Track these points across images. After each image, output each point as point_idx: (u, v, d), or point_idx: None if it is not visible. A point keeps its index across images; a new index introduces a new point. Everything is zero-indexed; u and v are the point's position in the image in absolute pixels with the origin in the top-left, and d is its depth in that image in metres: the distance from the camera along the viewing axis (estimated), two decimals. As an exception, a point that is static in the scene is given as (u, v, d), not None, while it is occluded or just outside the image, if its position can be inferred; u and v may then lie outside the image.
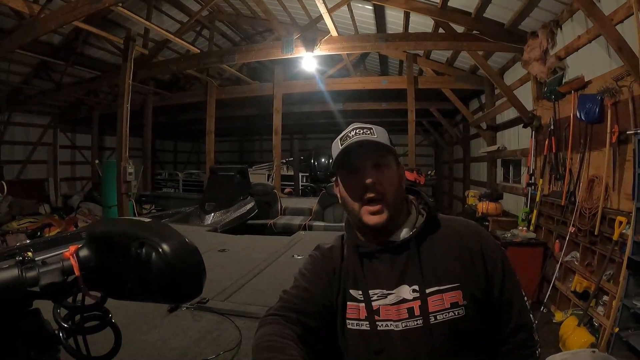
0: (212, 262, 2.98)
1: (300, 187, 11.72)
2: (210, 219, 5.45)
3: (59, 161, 13.65)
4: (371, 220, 1.07)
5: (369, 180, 1.06)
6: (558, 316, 4.51)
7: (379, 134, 1.11)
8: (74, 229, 7.96)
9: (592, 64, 4.58)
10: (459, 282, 1.04)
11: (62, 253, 0.76)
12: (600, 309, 3.93)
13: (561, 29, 5.26)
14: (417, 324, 1.01)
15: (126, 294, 0.76)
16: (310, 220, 6.18)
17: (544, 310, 4.80)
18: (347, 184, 1.11)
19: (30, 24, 5.96)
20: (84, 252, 0.76)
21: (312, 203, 6.78)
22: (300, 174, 11.82)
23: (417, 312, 1.02)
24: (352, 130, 1.12)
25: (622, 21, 3.88)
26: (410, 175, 7.93)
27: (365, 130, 1.11)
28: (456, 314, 1.01)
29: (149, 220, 0.80)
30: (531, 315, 1.11)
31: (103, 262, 0.75)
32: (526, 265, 5.13)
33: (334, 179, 1.19)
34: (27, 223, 8.70)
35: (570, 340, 3.74)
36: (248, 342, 1.48)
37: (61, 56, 9.66)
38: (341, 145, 1.10)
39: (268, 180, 11.10)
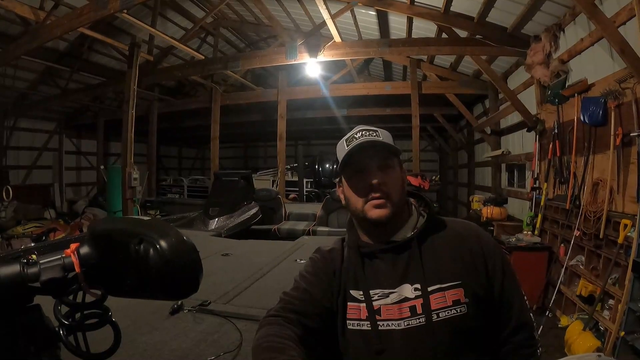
0: (215, 266, 2.98)
1: (305, 193, 11.74)
2: (214, 224, 5.46)
3: (64, 167, 13.75)
4: (375, 213, 1.08)
5: (374, 181, 1.07)
6: (563, 321, 4.48)
7: (384, 136, 1.13)
8: (79, 233, 8.00)
9: (595, 66, 4.58)
10: (460, 280, 1.04)
11: (63, 250, 0.77)
12: (605, 313, 3.90)
13: (564, 32, 5.26)
14: (420, 322, 1.01)
15: (126, 290, 0.76)
16: (315, 225, 6.18)
17: (549, 315, 4.76)
18: (352, 183, 1.12)
19: (36, 30, 6.04)
20: (84, 249, 0.76)
21: (316, 208, 6.77)
22: (304, 180, 11.84)
23: (419, 310, 1.02)
24: (358, 132, 1.13)
25: (624, 23, 3.88)
26: (414, 181, 7.94)
27: (371, 132, 1.13)
28: (458, 311, 1.01)
29: (149, 218, 0.81)
30: (531, 315, 1.11)
31: (103, 259, 0.76)
32: (531, 270, 5.10)
33: (337, 179, 1.20)
34: (32, 228, 8.73)
35: (575, 344, 3.71)
36: (249, 344, 1.48)
37: (67, 62, 9.76)
38: (347, 146, 1.12)
39: (272, 186, 11.13)
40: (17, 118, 11.98)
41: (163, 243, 0.70)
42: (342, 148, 1.13)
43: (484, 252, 1.10)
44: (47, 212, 11.30)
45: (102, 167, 11.61)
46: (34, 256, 0.77)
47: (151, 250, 0.70)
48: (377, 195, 1.07)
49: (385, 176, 1.08)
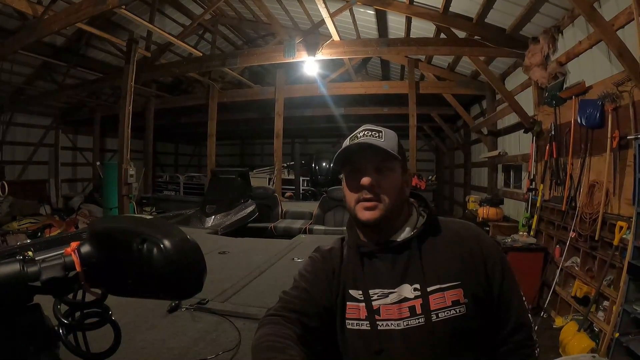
0: (213, 264, 2.97)
1: (301, 191, 11.73)
2: (211, 221, 5.44)
3: (60, 162, 13.66)
4: (364, 215, 1.08)
5: (364, 180, 1.07)
6: (558, 321, 4.50)
7: (387, 138, 1.12)
8: (75, 230, 7.97)
9: (593, 69, 4.59)
10: (459, 280, 1.04)
11: (63, 249, 0.76)
12: (600, 314, 3.92)
13: (562, 34, 5.28)
14: (419, 322, 1.01)
15: (127, 290, 0.76)
16: (311, 224, 6.17)
17: (544, 316, 4.79)
18: (348, 182, 1.13)
19: (33, 25, 5.99)
20: (85, 248, 0.76)
21: (312, 207, 6.77)
22: (301, 178, 11.83)
23: (418, 310, 1.02)
24: (362, 131, 1.13)
25: (623, 26, 3.89)
26: (411, 180, 7.93)
27: (374, 132, 1.12)
28: (457, 311, 1.01)
29: (151, 217, 0.81)
30: (529, 316, 1.12)
31: (104, 259, 0.75)
32: (526, 271, 5.11)
33: (341, 176, 1.19)
34: (28, 224, 8.69)
35: (570, 345, 3.73)
36: (247, 343, 1.48)
37: (64, 58, 9.69)
38: (349, 144, 1.12)
39: (269, 183, 11.11)
40: (13, 113, 11.89)
41: (167, 243, 0.70)
42: (345, 146, 1.13)
43: (484, 253, 1.10)
44: (42, 208, 11.23)
45: (98, 163, 11.55)
46: (30, 253, 0.76)
47: (155, 249, 0.70)
48: (369, 196, 1.07)
49: (381, 178, 1.08)
